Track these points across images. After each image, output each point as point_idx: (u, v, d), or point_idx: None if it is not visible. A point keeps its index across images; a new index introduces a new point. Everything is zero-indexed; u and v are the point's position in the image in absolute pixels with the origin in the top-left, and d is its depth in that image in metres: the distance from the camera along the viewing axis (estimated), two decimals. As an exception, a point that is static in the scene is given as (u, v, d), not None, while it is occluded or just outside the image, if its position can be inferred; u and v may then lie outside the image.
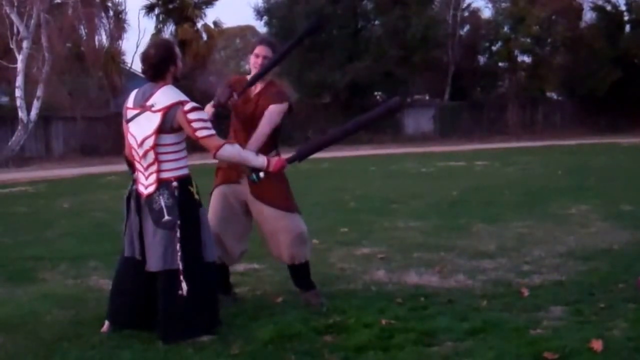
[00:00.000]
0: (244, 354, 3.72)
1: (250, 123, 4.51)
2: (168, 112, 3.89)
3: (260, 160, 4.10)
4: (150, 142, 3.92)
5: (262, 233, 4.72)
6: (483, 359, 3.56)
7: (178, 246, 3.89)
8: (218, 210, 4.59)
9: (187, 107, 3.89)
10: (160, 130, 3.91)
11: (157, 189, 3.94)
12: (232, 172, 4.58)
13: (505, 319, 4.22)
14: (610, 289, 4.87)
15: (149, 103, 3.95)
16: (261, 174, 4.12)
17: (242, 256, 4.80)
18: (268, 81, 4.66)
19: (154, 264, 3.94)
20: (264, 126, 4.49)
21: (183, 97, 3.95)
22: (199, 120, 3.91)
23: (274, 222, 4.56)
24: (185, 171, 4.02)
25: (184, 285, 3.88)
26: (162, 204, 3.91)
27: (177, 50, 4.11)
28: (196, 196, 4.04)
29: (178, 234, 3.90)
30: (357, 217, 8.77)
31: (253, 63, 4.60)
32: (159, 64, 3.98)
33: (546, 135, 32.32)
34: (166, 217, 3.90)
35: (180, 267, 3.88)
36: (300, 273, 4.71)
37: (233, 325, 4.17)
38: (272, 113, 4.52)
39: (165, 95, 3.94)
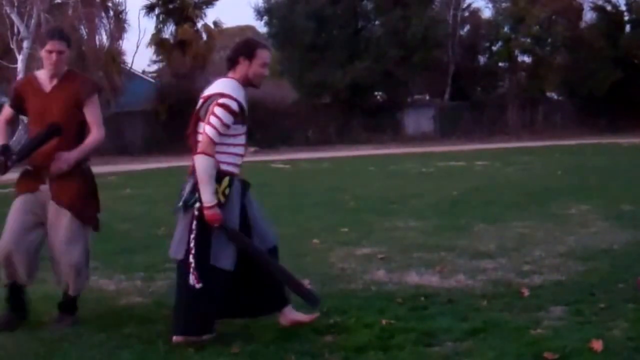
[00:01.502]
0: (244, 354, 3.72)
1: (41, 118, 4.30)
2: (207, 101, 3.89)
3: (211, 198, 3.82)
4: (191, 127, 3.95)
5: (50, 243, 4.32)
6: (483, 359, 3.56)
7: (191, 237, 3.84)
8: (20, 218, 4.26)
9: (222, 100, 3.83)
10: (198, 116, 3.91)
11: (189, 175, 3.94)
12: (31, 181, 4.35)
13: (506, 319, 4.22)
14: (610, 289, 4.86)
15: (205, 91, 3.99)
16: (197, 204, 3.85)
17: (34, 277, 4.43)
18: (66, 72, 4.39)
19: (171, 250, 3.99)
20: (97, 126, 4.37)
21: (229, 91, 3.87)
22: (218, 119, 3.81)
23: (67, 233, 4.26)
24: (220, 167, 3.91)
25: (192, 278, 3.82)
26: (186, 190, 3.91)
27: (261, 52, 3.99)
28: (219, 196, 3.87)
29: (194, 226, 3.85)
30: (357, 217, 8.76)
31: (47, 58, 4.27)
32: (234, 53, 4.00)
33: (546, 135, 32.29)
34: (180, 204, 3.90)
35: (191, 259, 3.82)
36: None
37: (233, 325, 4.17)
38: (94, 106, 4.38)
39: (217, 85, 3.95)
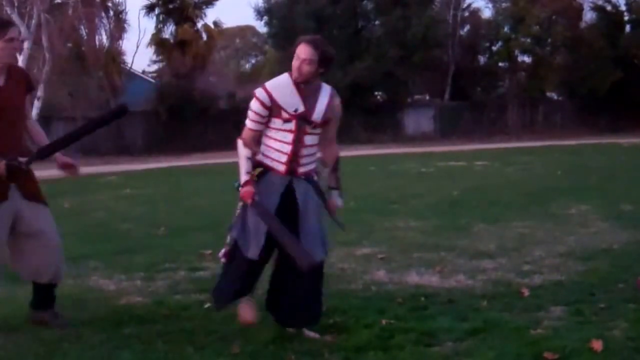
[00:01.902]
0: (244, 354, 3.72)
1: (2, 113, 3.99)
2: None
3: (243, 178, 3.99)
4: None
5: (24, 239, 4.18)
6: (483, 359, 3.56)
7: (237, 215, 4.06)
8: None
9: (255, 92, 3.99)
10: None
11: None
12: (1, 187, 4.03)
13: (506, 319, 4.22)
14: (610, 289, 4.87)
15: None
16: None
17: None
18: (8, 66, 4.10)
19: None
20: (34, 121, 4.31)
21: (267, 82, 4.02)
22: (249, 107, 4.00)
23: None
24: (258, 157, 4.03)
25: (222, 251, 4.11)
26: None
27: (297, 47, 3.95)
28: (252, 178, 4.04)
29: (239, 207, 4.05)
30: (357, 217, 8.75)
31: (7, 48, 4.00)
32: None
33: (546, 135, 32.30)
34: None
35: (229, 236, 4.08)
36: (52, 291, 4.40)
37: (233, 325, 4.17)
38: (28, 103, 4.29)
39: None
